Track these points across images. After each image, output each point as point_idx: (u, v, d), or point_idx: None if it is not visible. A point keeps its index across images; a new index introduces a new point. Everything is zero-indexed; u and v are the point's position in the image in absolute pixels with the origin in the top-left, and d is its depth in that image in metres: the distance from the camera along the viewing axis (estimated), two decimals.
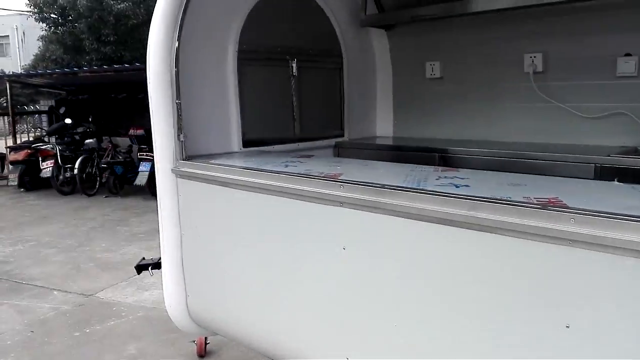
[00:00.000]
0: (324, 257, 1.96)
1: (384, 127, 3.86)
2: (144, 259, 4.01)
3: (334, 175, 1.98)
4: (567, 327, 1.40)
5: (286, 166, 2.28)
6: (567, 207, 1.41)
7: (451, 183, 1.81)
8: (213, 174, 2.36)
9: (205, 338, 3.63)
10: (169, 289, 2.72)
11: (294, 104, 3.26)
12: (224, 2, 2.80)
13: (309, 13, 3.31)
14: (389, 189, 1.76)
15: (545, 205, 1.45)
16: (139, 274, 4.14)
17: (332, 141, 3.52)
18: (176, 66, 2.47)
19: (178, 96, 2.49)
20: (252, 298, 2.33)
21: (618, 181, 1.82)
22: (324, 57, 3.46)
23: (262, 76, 3.09)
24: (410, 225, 1.70)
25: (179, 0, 2.46)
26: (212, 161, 2.50)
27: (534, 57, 3.10)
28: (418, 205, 1.65)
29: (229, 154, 2.82)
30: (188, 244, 2.60)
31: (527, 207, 1.45)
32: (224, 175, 2.29)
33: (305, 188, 1.96)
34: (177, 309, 2.72)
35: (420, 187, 1.75)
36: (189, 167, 2.50)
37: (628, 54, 2.84)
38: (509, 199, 1.53)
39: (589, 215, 1.34)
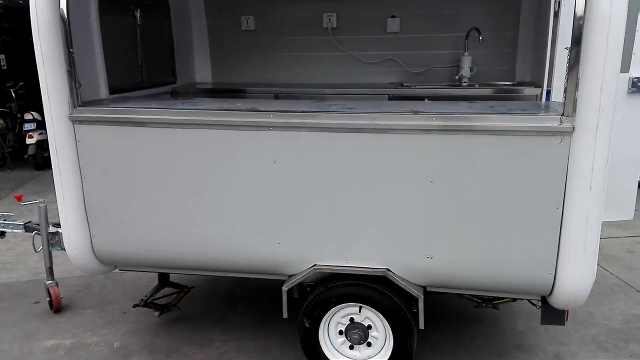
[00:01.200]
0: (257, 171, 2.57)
1: (202, 75, 4.35)
2: None
3: (255, 107, 2.59)
4: (432, 181, 2.41)
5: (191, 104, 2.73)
6: (428, 112, 2.39)
7: (343, 107, 2.62)
8: (134, 116, 2.63)
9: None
10: (71, 233, 2.85)
11: (139, 53, 3.52)
12: None
13: None
14: (310, 112, 2.48)
15: (416, 112, 2.41)
16: None
17: (169, 87, 3.88)
18: (67, 16, 2.57)
19: (71, 45, 2.61)
20: (179, 223, 2.74)
21: (428, 99, 2.93)
22: (155, 7, 3.75)
23: (115, 26, 3.26)
24: (324, 136, 2.46)
25: None
26: (113, 105, 2.73)
27: (330, 16, 4.06)
28: (331, 121, 2.43)
29: (109, 100, 3.02)
30: (91, 187, 2.79)
31: (404, 114, 2.39)
32: (147, 117, 2.61)
33: (244, 119, 2.51)
34: (82, 250, 2.89)
35: (328, 110, 2.52)
36: (91, 113, 2.68)
37: (393, 16, 4.02)
38: (391, 110, 2.44)
39: (442, 114, 2.35)
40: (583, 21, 2.07)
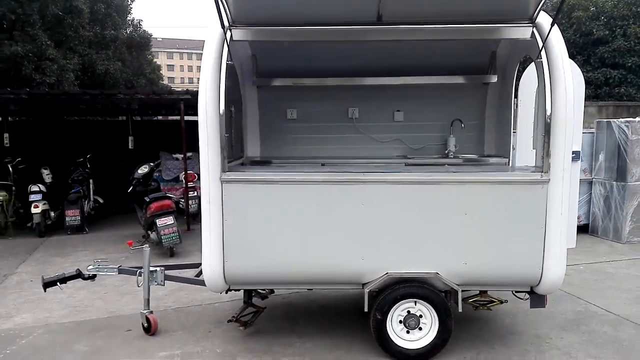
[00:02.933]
0: (352, 210, 3.93)
1: (252, 151, 5.68)
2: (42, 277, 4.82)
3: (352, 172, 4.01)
4: (465, 214, 3.89)
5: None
6: (461, 172, 3.91)
7: (400, 171, 4.09)
8: (264, 177, 3.95)
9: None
10: (211, 259, 4.01)
11: (233, 136, 4.83)
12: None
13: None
14: (384, 172, 3.94)
15: (452, 171, 3.93)
16: (45, 290, 4.88)
17: (240, 160, 5.17)
18: (229, 112, 3.90)
19: (227, 131, 3.93)
20: (293, 251, 4.00)
21: (448, 164, 4.47)
22: (238, 103, 5.13)
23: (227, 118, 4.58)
24: (395, 187, 3.91)
25: (218, 75, 3.90)
26: (243, 170, 4.03)
27: (354, 109, 5.61)
28: (398, 178, 3.90)
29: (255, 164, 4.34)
30: (229, 227, 3.99)
31: (444, 172, 3.91)
32: (277, 177, 3.94)
33: (345, 177, 3.92)
34: (216, 271, 4.03)
35: (394, 170, 4.00)
36: (233, 176, 3.95)
37: (399, 110, 5.64)
38: (435, 170, 3.95)
39: (469, 172, 3.88)
40: (550, 120, 3.73)
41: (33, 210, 8.95)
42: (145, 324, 4.76)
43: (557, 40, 3.93)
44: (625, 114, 11.65)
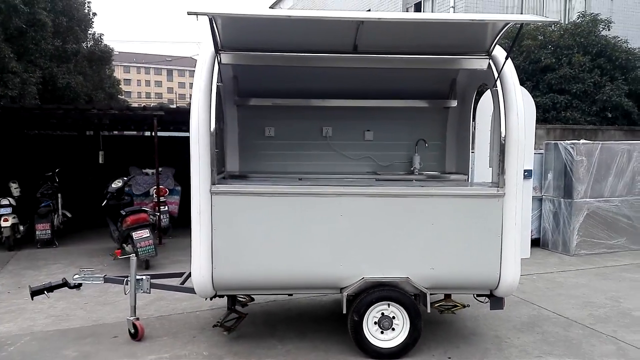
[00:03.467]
0: (331, 220, 4.33)
1: (231, 166, 6.01)
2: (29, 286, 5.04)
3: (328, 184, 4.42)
4: (432, 224, 4.35)
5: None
6: (428, 186, 4.38)
7: (373, 185, 4.53)
8: (252, 190, 4.30)
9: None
10: (201, 265, 4.31)
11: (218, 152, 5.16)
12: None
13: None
14: (362, 186, 4.36)
15: (422, 186, 4.39)
16: (32, 299, 5.08)
17: (222, 174, 5.49)
18: (216, 130, 4.25)
19: (216, 147, 4.27)
20: (276, 259, 4.34)
21: (416, 179, 4.95)
22: (221, 121, 5.47)
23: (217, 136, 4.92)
24: (370, 199, 4.34)
25: (209, 95, 4.25)
26: (231, 182, 4.38)
27: (328, 129, 6.04)
28: (373, 191, 4.33)
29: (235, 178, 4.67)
30: (218, 236, 4.31)
31: (413, 186, 4.37)
32: (265, 190, 4.30)
33: (323, 190, 4.32)
34: (205, 277, 4.33)
35: (369, 184, 4.42)
36: (225, 187, 4.29)
37: (369, 130, 6.11)
38: (405, 185, 4.41)
39: (437, 187, 4.36)
40: (505, 141, 4.25)
41: (3, 224, 8.94)
42: (132, 330, 4.99)
43: (510, 72, 4.49)
44: (571, 136, 12.56)
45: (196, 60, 4.57)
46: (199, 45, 4.70)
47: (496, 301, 4.66)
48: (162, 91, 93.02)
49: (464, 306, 5.01)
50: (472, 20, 4.29)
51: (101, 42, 26.13)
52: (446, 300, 5.01)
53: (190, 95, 4.42)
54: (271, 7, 38.45)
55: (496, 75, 4.49)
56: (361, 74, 5.65)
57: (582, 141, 9.08)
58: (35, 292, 5.10)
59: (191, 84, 4.89)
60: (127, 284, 5.03)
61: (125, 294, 5.04)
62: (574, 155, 8.73)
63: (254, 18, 4.18)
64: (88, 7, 24.40)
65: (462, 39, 4.61)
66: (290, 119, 6.01)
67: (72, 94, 21.65)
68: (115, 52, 27.78)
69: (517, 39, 4.53)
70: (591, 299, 6.30)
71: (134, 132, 12.74)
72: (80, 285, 5.27)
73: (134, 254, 7.43)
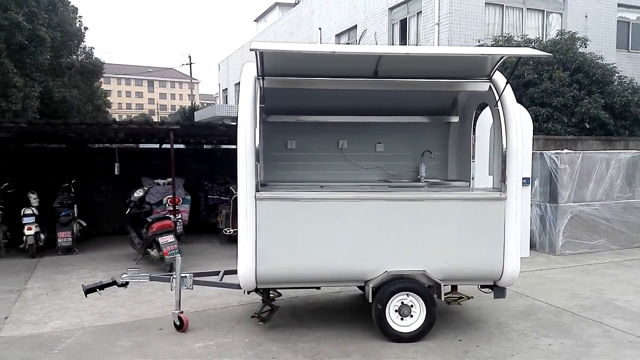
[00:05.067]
0: (358, 221, 5.02)
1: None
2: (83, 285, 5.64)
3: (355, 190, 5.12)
4: (445, 224, 5.08)
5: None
6: (440, 191, 5.11)
7: (385, 189, 5.25)
8: (295, 196, 4.98)
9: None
10: (246, 262, 4.96)
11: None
12: None
13: None
14: (381, 192, 5.07)
15: (435, 190, 5.12)
16: (86, 296, 5.69)
17: None
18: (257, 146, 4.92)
19: (258, 160, 4.95)
20: (312, 256, 5.01)
21: (427, 186, 5.69)
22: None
23: None
24: (391, 203, 5.05)
25: (254, 115, 4.93)
26: (273, 190, 5.06)
27: (343, 142, 6.75)
28: (394, 196, 5.05)
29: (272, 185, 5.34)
30: (261, 236, 4.96)
31: (427, 191, 5.10)
32: (302, 196, 4.98)
33: (353, 196, 5.01)
34: (249, 273, 4.98)
35: (386, 190, 5.14)
36: (268, 194, 4.96)
37: (380, 142, 6.83)
38: (420, 190, 5.14)
39: (449, 191, 5.09)
40: (506, 152, 5.01)
41: (27, 232, 9.44)
42: (178, 322, 5.59)
43: (509, 94, 5.27)
44: (553, 146, 13.47)
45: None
46: (242, 71, 5.38)
47: (499, 290, 5.40)
48: (144, 102, 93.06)
49: (469, 298, 5.74)
50: (477, 54, 5.10)
51: (92, 55, 26.63)
52: (453, 292, 5.73)
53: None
54: (255, 21, 39.27)
55: (497, 97, 5.26)
56: (374, 94, 6.38)
57: (565, 151, 9.93)
58: (89, 290, 5.69)
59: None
60: (172, 281, 5.65)
61: (171, 290, 5.66)
62: (558, 164, 9.57)
63: (303, 53, 4.94)
64: (79, 21, 24.91)
65: (467, 64, 5.40)
66: (309, 133, 6.70)
67: (65, 107, 22.14)
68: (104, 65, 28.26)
69: (515, 68, 5.32)
70: (577, 291, 7.08)
71: (147, 145, 13.29)
72: (127, 283, 5.86)
73: (160, 258, 8.08)
